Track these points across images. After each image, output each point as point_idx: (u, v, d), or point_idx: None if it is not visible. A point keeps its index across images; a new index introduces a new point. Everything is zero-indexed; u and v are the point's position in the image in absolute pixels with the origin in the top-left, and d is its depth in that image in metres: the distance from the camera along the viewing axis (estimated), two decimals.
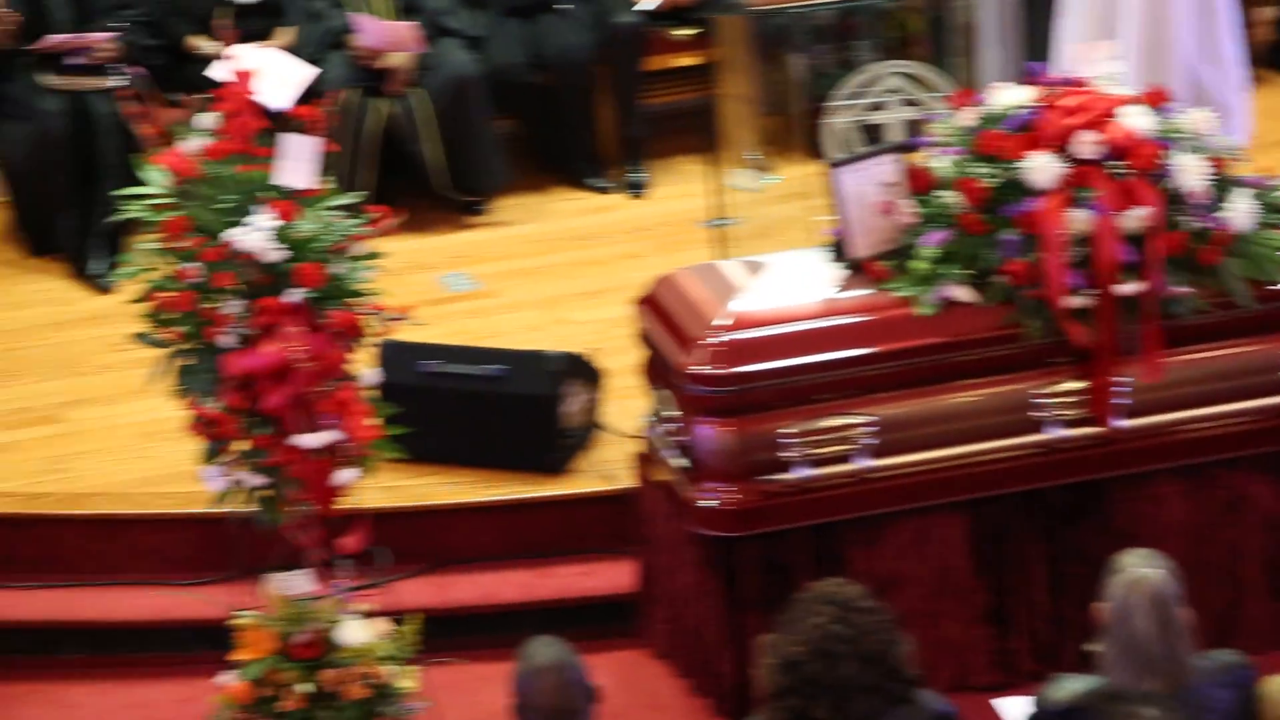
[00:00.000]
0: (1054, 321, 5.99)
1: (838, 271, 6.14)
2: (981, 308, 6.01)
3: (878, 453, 5.96)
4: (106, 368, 7.28)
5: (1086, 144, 6.01)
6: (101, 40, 7.86)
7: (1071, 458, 6.08)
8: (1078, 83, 6.18)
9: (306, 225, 5.46)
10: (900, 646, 4.68)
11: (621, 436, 6.70)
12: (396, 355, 6.58)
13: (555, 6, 8.32)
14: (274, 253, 5.39)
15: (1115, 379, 6.04)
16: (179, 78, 7.87)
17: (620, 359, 6.71)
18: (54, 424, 7.05)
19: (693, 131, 7.90)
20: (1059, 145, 6.02)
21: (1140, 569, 4.89)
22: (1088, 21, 7.37)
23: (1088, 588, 5.97)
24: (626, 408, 6.67)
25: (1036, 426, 6.06)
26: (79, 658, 6.43)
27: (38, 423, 7.05)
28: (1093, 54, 6.33)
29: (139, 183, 5.55)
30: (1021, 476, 6.06)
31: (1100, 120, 6.04)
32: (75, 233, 7.84)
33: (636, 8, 8.32)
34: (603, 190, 8.35)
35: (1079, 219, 5.98)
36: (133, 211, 5.56)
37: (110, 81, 7.85)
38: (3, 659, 6.43)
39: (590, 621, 6.35)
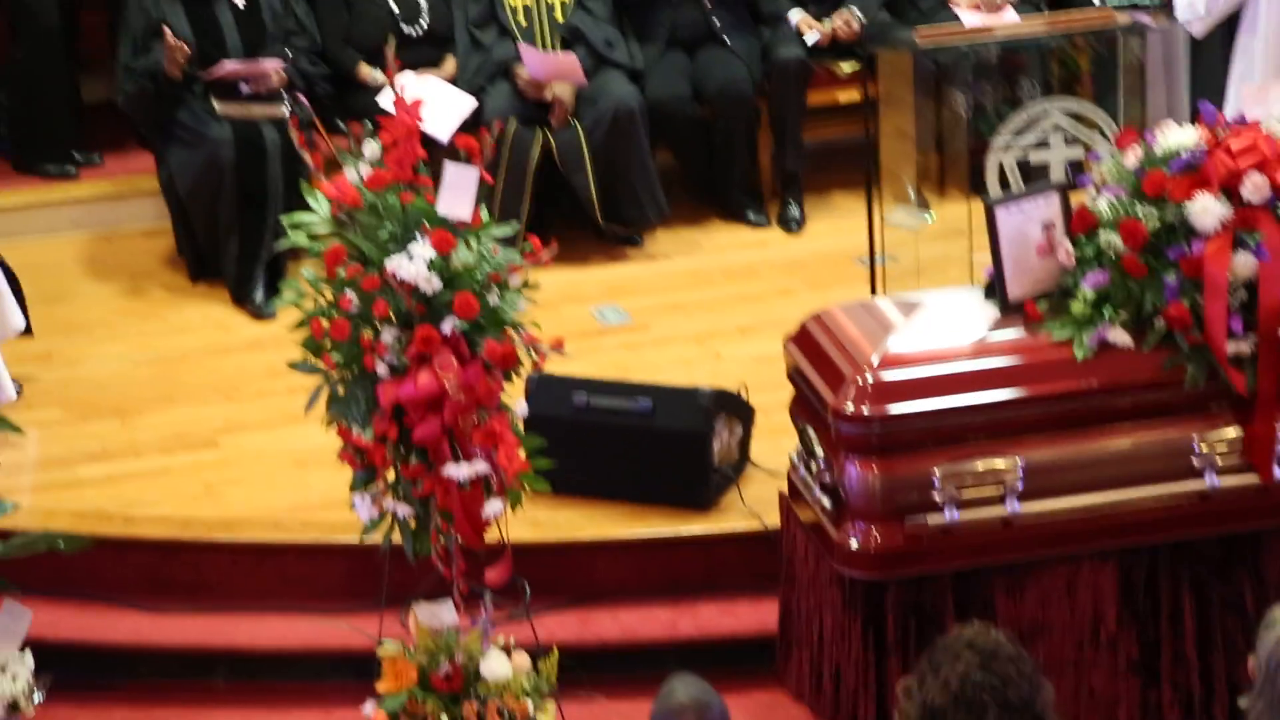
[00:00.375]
0: (1214, 367, 5.88)
1: (993, 312, 6.06)
2: (1139, 352, 5.91)
3: (1028, 497, 5.88)
4: (263, 394, 7.31)
5: (1254, 186, 5.90)
6: (272, 68, 7.93)
7: (1227, 507, 5.96)
8: (1247, 124, 6.06)
9: (464, 255, 5.46)
10: (1044, 695, 4.59)
11: (770, 474, 6.65)
12: (545, 388, 6.57)
13: (718, 40, 8.30)
14: (431, 282, 5.39)
15: (1276, 427, 5.92)
16: (347, 106, 7.93)
17: (772, 395, 6.66)
18: (209, 449, 7.07)
19: (851, 167, 7.84)
20: (1225, 187, 5.91)
21: None
22: (1261, 62, 7.25)
23: (1238, 641, 5.87)
24: (778, 444, 6.61)
25: (1193, 474, 5.95)
26: (225, 683, 6.45)
27: (194, 448, 7.08)
28: (1264, 96, 6.21)
29: (304, 210, 5.58)
30: (1175, 525, 5.95)
31: (1269, 163, 5.93)
32: (238, 259, 7.89)
33: (808, 41, 8.28)
34: (759, 225, 8.31)
35: (1243, 263, 5.86)
36: (295, 239, 5.60)
37: (279, 109, 7.92)
38: (152, 683, 6.45)
39: (731, 661, 6.29)
